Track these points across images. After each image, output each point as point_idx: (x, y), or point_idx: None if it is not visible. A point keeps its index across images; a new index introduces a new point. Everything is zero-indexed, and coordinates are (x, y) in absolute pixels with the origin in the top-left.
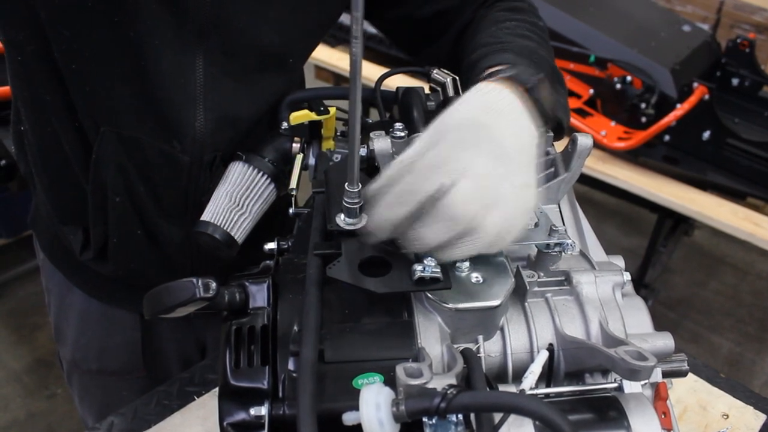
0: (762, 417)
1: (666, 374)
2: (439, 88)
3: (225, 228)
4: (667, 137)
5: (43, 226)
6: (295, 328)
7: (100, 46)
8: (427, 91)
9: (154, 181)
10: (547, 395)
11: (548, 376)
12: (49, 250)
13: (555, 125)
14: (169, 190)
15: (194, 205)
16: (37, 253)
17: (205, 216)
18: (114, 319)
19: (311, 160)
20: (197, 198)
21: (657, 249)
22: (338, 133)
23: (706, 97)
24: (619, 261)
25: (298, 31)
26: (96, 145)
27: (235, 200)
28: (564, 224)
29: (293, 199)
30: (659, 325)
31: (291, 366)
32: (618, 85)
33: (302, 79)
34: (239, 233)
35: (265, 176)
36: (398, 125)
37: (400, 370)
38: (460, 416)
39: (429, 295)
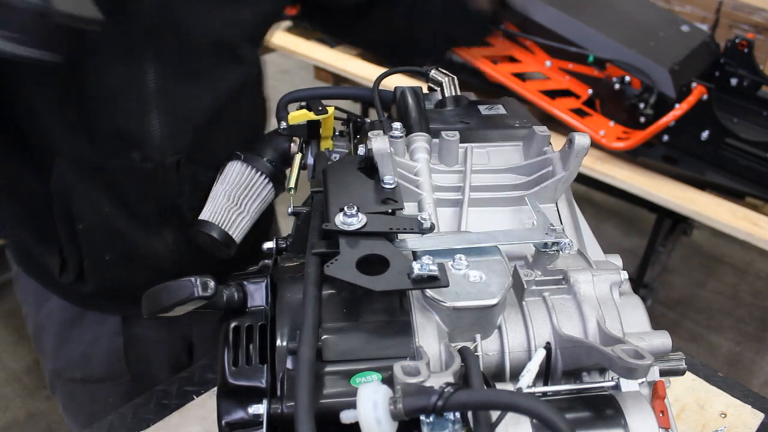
0: (760, 416)
1: (663, 373)
2: (437, 88)
3: (223, 227)
4: (665, 137)
5: (17, 242)
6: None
7: (39, 74)
8: (425, 90)
9: (121, 198)
10: (544, 394)
11: (545, 374)
12: (25, 264)
13: None
14: (138, 203)
15: (171, 210)
16: (10, 265)
17: (204, 215)
18: (96, 326)
19: (309, 160)
20: (171, 203)
21: (656, 249)
22: (336, 133)
23: (705, 97)
24: (617, 260)
25: (247, 21)
26: (53, 178)
27: (233, 199)
28: (562, 223)
29: (291, 198)
30: (658, 324)
31: (289, 364)
32: (617, 85)
33: (260, 70)
34: (237, 232)
35: (264, 176)
36: (396, 125)
37: (397, 368)
38: (458, 414)
39: (427, 293)
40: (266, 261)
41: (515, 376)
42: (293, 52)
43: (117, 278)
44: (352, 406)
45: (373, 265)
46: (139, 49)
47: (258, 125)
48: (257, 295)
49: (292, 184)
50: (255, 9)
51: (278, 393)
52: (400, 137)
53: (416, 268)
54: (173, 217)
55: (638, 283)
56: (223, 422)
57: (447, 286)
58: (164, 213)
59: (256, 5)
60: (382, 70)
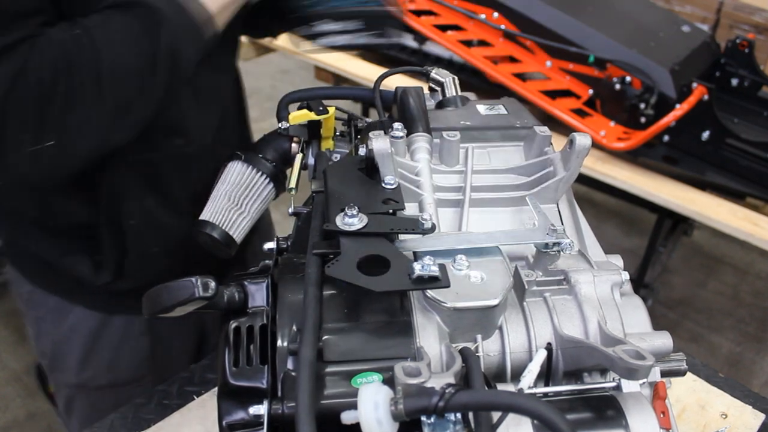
0: (761, 416)
1: (664, 373)
2: (438, 88)
3: (224, 227)
4: (666, 137)
5: (28, 258)
6: (294, 327)
7: None
8: (426, 90)
9: (164, 188)
10: (545, 394)
11: (547, 375)
12: (41, 278)
13: None
14: (179, 191)
15: (205, 195)
16: (18, 288)
17: (204, 215)
18: (123, 329)
19: (310, 160)
20: (206, 187)
21: (656, 249)
22: (337, 133)
23: (706, 97)
24: (618, 260)
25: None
26: (104, 182)
27: (234, 200)
28: (562, 224)
29: (292, 198)
30: (659, 325)
31: (290, 365)
32: (617, 86)
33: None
34: (238, 233)
35: (264, 176)
36: (397, 125)
37: (398, 369)
38: (459, 415)
39: (428, 294)
40: (267, 261)
41: (516, 376)
42: (294, 52)
43: (158, 272)
44: (353, 406)
45: (373, 265)
46: None
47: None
48: (258, 295)
49: (292, 185)
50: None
51: (279, 393)
52: (401, 137)
53: (417, 268)
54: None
55: (639, 284)
56: (224, 423)
57: (448, 286)
58: (200, 198)
59: None
60: (382, 70)
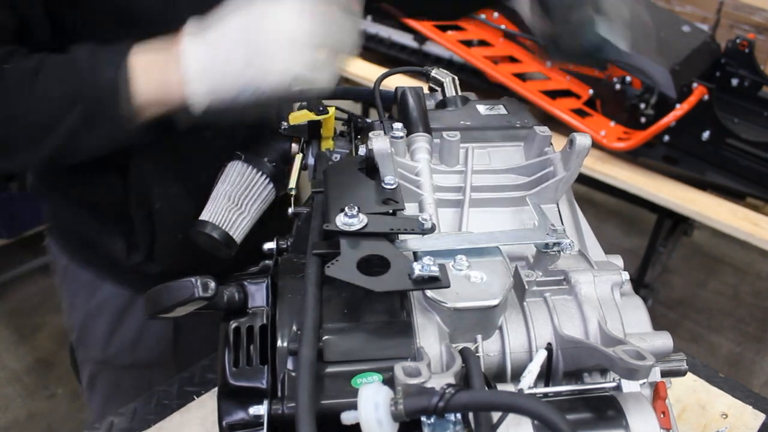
0: (761, 416)
1: (665, 374)
2: (438, 88)
3: (224, 228)
4: (666, 137)
5: (68, 233)
6: (294, 327)
7: None
8: (426, 90)
9: (190, 180)
10: (545, 394)
11: (547, 375)
12: (78, 253)
13: None
14: (205, 176)
15: None
16: (56, 260)
17: (204, 215)
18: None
19: (310, 160)
20: None
21: (656, 249)
22: (337, 133)
23: (706, 97)
24: (618, 261)
25: None
26: (133, 164)
27: (234, 200)
28: (563, 224)
29: (292, 198)
30: (659, 325)
31: (290, 365)
32: (617, 86)
33: None
34: (238, 233)
35: (264, 176)
36: (397, 125)
37: (398, 369)
38: (459, 415)
39: (428, 294)
40: (267, 261)
41: (516, 376)
42: None
43: (183, 259)
44: (353, 407)
45: (373, 265)
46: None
47: None
48: (258, 295)
49: (292, 185)
50: None
51: (279, 394)
52: (401, 137)
53: (417, 268)
54: None
55: (639, 284)
56: (224, 423)
57: (448, 286)
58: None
59: None
60: (382, 70)
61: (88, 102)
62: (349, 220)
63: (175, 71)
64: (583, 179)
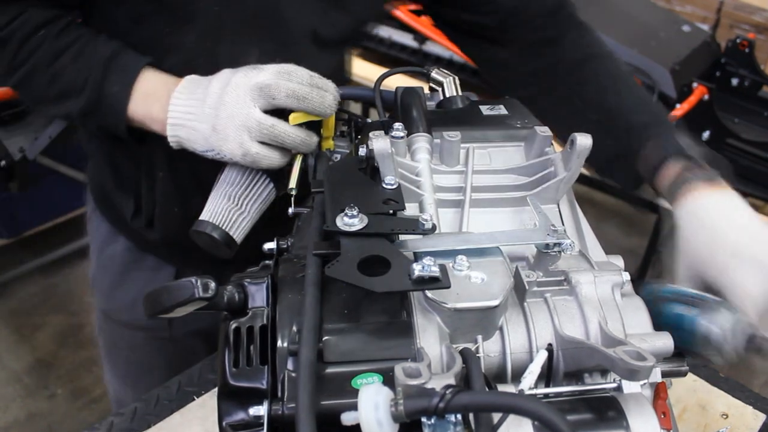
0: (761, 417)
1: (665, 374)
2: (438, 88)
3: (224, 228)
4: None
5: (98, 184)
6: (294, 327)
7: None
8: (426, 91)
9: (196, 159)
10: (546, 395)
11: (547, 376)
12: (100, 204)
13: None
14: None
15: None
16: (87, 204)
17: (204, 215)
18: (151, 272)
19: (311, 160)
20: None
21: (657, 249)
22: (338, 133)
23: (706, 97)
24: (619, 261)
25: (344, 24)
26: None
27: (234, 200)
28: (563, 224)
29: (292, 199)
30: None
31: (290, 366)
32: None
33: (343, 57)
34: (238, 233)
35: (264, 176)
36: (397, 125)
37: (398, 370)
38: (459, 416)
39: (428, 294)
40: (267, 261)
41: (517, 377)
42: None
43: (179, 233)
44: (353, 407)
45: (374, 266)
46: (244, 30)
47: None
48: (258, 295)
49: (292, 185)
50: (354, 17)
51: (279, 394)
52: (402, 138)
53: (417, 269)
54: None
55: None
56: (224, 423)
57: (448, 287)
58: None
59: (356, 15)
60: (382, 70)
61: (89, 102)
62: (349, 220)
63: (162, 111)
64: (584, 179)
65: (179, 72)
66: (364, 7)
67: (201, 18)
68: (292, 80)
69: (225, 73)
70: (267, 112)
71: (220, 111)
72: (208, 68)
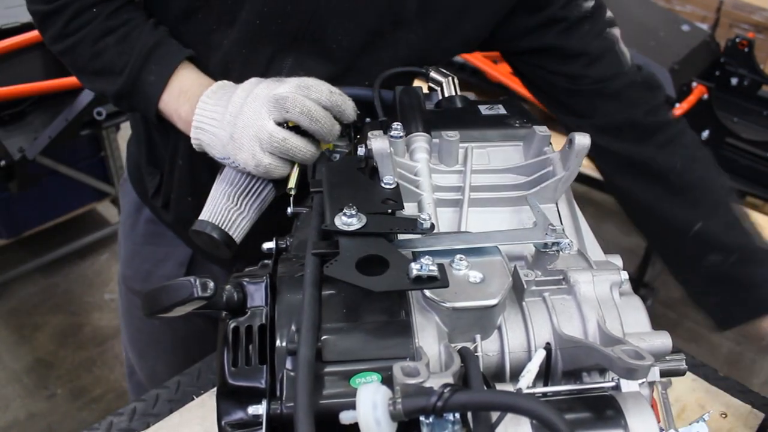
0: (760, 416)
1: (664, 373)
2: (437, 88)
3: (223, 228)
4: None
5: (133, 153)
6: (293, 327)
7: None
8: (425, 90)
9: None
10: (544, 394)
11: (545, 375)
12: (132, 172)
13: None
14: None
15: None
16: (124, 172)
17: (204, 215)
18: (169, 248)
19: None
20: None
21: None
22: None
23: (705, 96)
24: (617, 260)
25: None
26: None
27: (233, 200)
28: (562, 223)
29: (291, 198)
30: (659, 324)
31: (289, 365)
32: None
33: None
34: (237, 233)
35: None
36: (396, 125)
37: (397, 369)
38: (457, 415)
39: (426, 293)
40: (266, 261)
41: (515, 376)
42: None
43: (190, 221)
44: (352, 406)
45: (372, 265)
46: (281, 46)
47: None
48: (257, 295)
49: (292, 185)
50: (392, 54)
51: (278, 393)
52: (400, 137)
53: (416, 268)
54: None
55: (639, 283)
56: (223, 423)
57: (447, 286)
58: None
59: (395, 51)
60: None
61: (125, 85)
62: (348, 219)
63: (190, 112)
64: (583, 178)
65: (217, 71)
66: (412, 50)
67: (241, 26)
68: (310, 95)
69: (251, 82)
70: (282, 124)
71: (238, 120)
72: (242, 71)
